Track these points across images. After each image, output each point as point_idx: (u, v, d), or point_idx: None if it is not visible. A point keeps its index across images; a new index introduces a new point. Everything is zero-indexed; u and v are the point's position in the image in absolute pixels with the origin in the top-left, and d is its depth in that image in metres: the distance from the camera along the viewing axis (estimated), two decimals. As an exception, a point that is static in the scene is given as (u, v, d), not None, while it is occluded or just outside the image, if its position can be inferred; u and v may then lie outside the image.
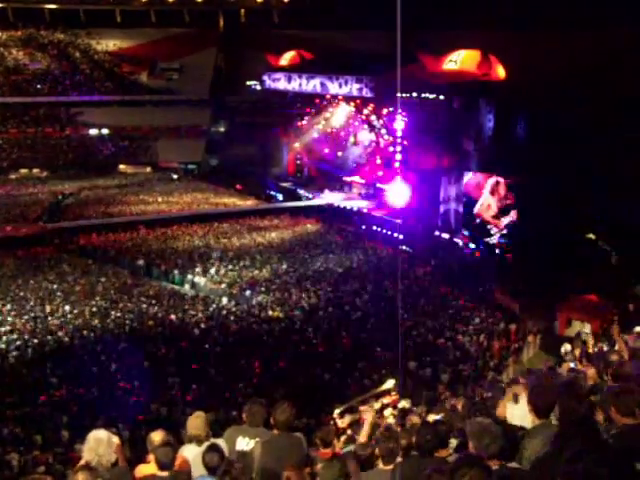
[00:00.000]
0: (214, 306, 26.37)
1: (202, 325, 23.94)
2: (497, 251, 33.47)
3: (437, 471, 3.97)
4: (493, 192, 34.48)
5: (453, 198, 36.16)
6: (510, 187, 33.03)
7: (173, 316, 24.91)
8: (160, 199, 45.94)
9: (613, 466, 3.50)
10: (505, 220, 34.02)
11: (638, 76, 28.10)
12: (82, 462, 4.85)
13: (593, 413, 5.15)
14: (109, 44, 62.49)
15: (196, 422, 5.68)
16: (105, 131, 57.54)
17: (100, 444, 4.81)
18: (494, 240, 33.94)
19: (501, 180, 34.02)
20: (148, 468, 5.06)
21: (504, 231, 33.83)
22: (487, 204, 34.67)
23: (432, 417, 8.95)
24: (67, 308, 25.44)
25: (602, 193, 27.97)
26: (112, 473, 4.74)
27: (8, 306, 25.79)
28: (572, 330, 21.64)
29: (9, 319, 24.40)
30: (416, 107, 36.29)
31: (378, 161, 43.98)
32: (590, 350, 11.94)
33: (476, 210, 35.15)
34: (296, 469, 4.43)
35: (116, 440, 5.22)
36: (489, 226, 34.39)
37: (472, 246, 34.42)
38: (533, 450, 4.64)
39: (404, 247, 33.22)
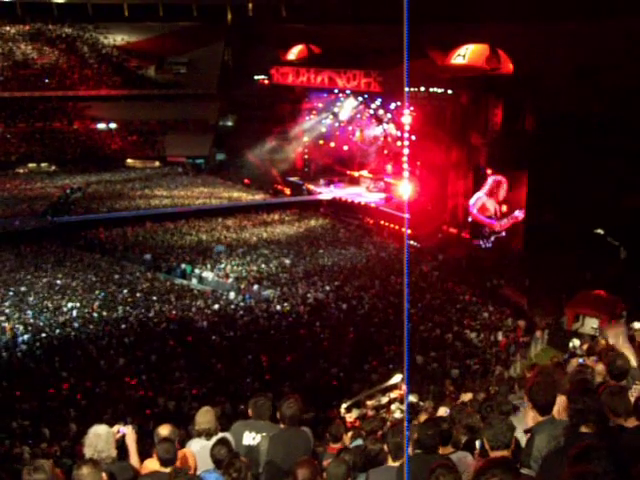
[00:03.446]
0: (222, 301, 26.42)
1: (209, 319, 23.99)
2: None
3: (441, 466, 3.93)
4: (491, 193, 33.67)
5: (461, 193, 36.00)
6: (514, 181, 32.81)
7: (181, 311, 24.97)
8: (167, 193, 45.97)
9: (621, 465, 3.46)
10: (504, 222, 33.41)
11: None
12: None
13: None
14: (117, 38, 62.53)
15: (206, 416, 5.69)
16: (113, 125, 57.63)
17: (99, 440, 4.81)
18: (488, 244, 33.49)
19: (503, 181, 33.33)
20: (153, 463, 5.05)
21: (502, 234, 33.26)
22: (481, 204, 33.98)
23: (441, 411, 8.88)
24: (74, 302, 25.52)
25: (611, 187, 27.84)
26: (115, 467, 4.75)
27: (15, 300, 25.89)
28: (580, 325, 21.61)
29: (17, 314, 24.50)
30: (424, 102, 36.12)
31: (386, 156, 43.86)
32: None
33: (469, 207, 34.60)
34: (308, 465, 4.41)
35: (129, 431, 5.20)
36: (484, 228, 33.84)
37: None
38: (539, 448, 4.59)
39: (412, 242, 33.11)
